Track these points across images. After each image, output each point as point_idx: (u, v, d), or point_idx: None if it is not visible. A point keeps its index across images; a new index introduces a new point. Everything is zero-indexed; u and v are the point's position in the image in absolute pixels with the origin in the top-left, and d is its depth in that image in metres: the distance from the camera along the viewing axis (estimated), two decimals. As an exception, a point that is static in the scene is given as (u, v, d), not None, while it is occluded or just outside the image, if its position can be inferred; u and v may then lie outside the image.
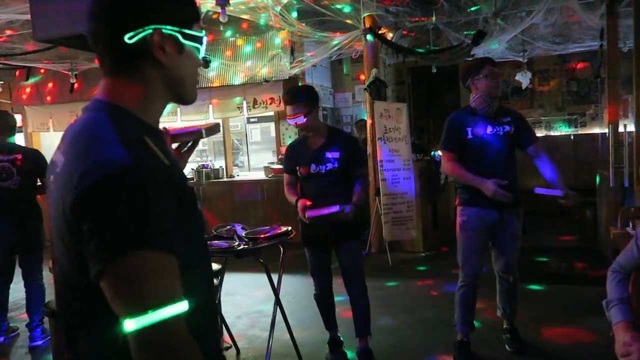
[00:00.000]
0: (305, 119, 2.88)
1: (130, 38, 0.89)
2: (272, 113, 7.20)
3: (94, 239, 0.79)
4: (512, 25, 5.31)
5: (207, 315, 1.03)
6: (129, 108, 0.94)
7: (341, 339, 3.33)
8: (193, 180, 7.37)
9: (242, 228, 3.26)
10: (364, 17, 5.06)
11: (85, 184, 0.80)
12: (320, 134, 3.02)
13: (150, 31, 0.90)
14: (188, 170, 7.75)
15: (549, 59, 7.55)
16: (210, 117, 7.29)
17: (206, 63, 4.11)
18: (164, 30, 0.92)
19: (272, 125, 7.97)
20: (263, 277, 5.22)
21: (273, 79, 6.37)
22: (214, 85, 6.91)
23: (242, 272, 5.08)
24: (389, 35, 5.65)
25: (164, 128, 1.33)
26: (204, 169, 7.37)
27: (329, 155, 2.96)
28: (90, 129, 0.91)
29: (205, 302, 1.01)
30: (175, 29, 0.93)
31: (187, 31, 0.95)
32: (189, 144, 1.39)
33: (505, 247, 3.08)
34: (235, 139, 8.98)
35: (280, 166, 6.89)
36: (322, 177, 2.96)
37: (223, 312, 3.69)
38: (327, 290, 3.21)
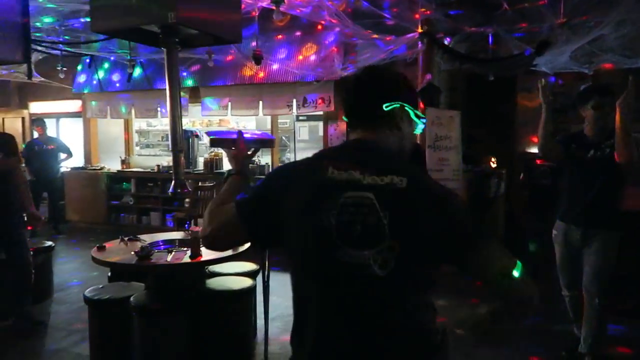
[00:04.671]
0: None
1: (386, 106, 1.28)
2: (321, 113, 7.15)
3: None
4: (579, 35, 5.00)
5: None
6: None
7: None
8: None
9: None
10: (420, 21, 4.91)
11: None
12: None
13: (398, 105, 1.29)
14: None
15: (615, 73, 7.09)
16: (260, 113, 7.32)
17: (257, 60, 4.07)
18: (405, 107, 1.30)
19: (320, 124, 7.92)
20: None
21: (324, 79, 6.31)
22: (265, 82, 6.93)
23: (279, 271, 5.07)
24: (446, 41, 5.46)
25: (239, 131, 1.59)
26: (249, 165, 7.41)
27: None
28: None
29: None
30: (411, 108, 1.32)
31: (416, 111, 1.33)
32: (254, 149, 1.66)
33: (587, 263, 3.06)
34: (283, 135, 9.00)
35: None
36: None
37: (257, 313, 3.67)
38: None
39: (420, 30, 4.97)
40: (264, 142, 1.66)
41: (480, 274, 1.19)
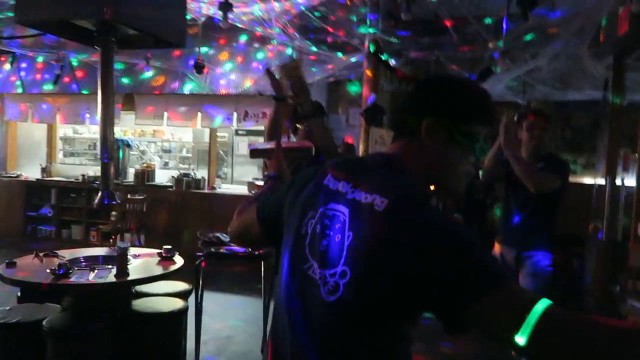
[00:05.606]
0: None
1: (411, 120, 1.09)
2: (262, 127, 6.98)
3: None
4: (518, 65, 5.20)
5: None
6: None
7: None
8: (172, 188, 7.06)
9: (225, 236, 3.32)
10: (369, 40, 4.91)
11: None
12: None
13: (429, 119, 1.06)
14: (168, 177, 7.46)
15: (546, 104, 7.50)
16: (198, 124, 7.05)
17: (199, 69, 3.84)
18: (443, 122, 1.06)
19: (260, 139, 7.75)
20: (236, 298, 4.97)
21: (267, 92, 6.16)
22: (204, 93, 6.68)
23: (213, 291, 4.79)
24: (391, 62, 5.51)
25: (277, 141, 1.64)
26: (184, 178, 7.08)
27: None
28: None
29: None
30: (448, 121, 1.06)
31: (461, 125, 1.07)
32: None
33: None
34: (221, 149, 8.73)
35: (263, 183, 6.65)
36: None
37: (187, 335, 3.41)
38: None
39: (366, 49, 4.97)
40: (301, 151, 1.77)
41: (486, 333, 0.90)
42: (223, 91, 6.51)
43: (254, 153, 1.71)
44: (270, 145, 1.66)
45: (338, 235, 1.01)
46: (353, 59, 5.34)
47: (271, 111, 2.73)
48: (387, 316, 0.97)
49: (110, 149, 3.24)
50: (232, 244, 3.18)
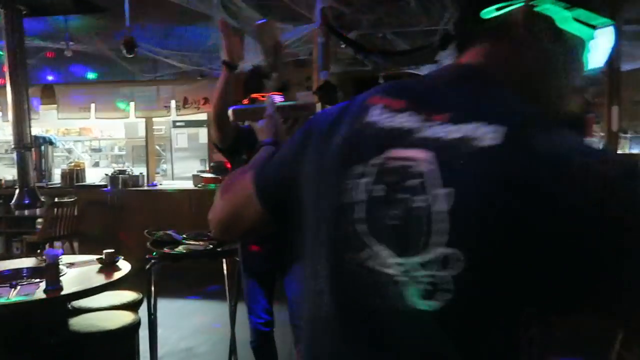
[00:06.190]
0: None
1: (497, 9, 0.68)
2: (204, 116, 6.43)
3: None
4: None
5: None
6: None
7: None
8: (107, 187, 6.37)
9: (177, 234, 2.86)
10: (320, 10, 4.52)
11: None
12: None
13: (519, 5, 0.67)
14: (101, 176, 6.75)
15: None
16: (131, 116, 6.39)
17: (129, 48, 3.22)
18: (537, 7, 0.67)
19: (201, 130, 7.20)
20: (194, 304, 4.46)
21: (211, 75, 5.63)
22: (136, 79, 6.03)
23: (167, 298, 4.25)
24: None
25: (270, 97, 1.41)
26: (120, 176, 6.40)
27: None
28: None
29: None
30: (554, 7, 0.67)
31: (571, 13, 0.67)
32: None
33: None
34: (158, 144, 8.08)
35: (211, 175, 6.13)
36: None
37: (140, 352, 2.92)
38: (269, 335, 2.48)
39: (319, 22, 4.59)
40: (301, 109, 1.40)
41: None
42: (146, 78, 5.88)
43: (237, 114, 1.44)
44: (259, 105, 1.43)
45: (421, 198, 0.60)
46: (301, 32, 4.94)
47: (220, 80, 2.18)
48: (531, 325, 0.59)
49: (27, 137, 2.69)
50: (188, 241, 2.70)
